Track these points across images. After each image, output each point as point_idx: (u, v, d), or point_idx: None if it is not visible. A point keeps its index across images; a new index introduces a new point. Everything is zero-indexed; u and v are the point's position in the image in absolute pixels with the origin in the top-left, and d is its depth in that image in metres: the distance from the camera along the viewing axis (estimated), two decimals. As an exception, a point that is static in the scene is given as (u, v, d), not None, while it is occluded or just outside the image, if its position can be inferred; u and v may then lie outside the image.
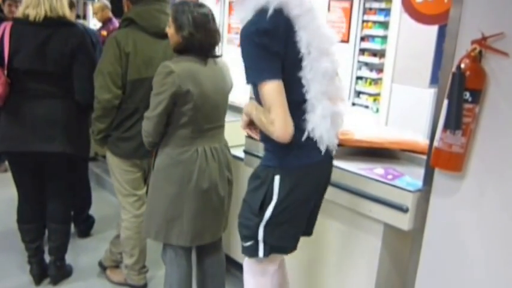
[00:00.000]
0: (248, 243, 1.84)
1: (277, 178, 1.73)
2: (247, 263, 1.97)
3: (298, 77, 1.68)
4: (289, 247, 1.88)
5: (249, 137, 2.50)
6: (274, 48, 1.61)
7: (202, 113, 2.18)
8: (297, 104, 1.69)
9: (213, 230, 2.34)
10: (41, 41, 2.44)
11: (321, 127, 1.70)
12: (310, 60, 1.68)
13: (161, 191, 2.24)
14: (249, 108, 1.83)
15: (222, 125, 2.35)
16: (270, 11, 1.61)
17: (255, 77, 1.65)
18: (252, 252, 1.84)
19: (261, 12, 1.63)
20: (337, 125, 1.79)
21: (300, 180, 1.75)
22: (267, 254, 1.82)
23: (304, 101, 1.70)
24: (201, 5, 2.22)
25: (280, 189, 1.73)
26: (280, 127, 1.63)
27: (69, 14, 2.53)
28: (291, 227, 1.82)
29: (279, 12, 1.64)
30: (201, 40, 2.14)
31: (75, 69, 2.51)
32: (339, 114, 1.79)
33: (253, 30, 1.62)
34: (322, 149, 1.73)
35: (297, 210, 1.80)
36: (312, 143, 1.73)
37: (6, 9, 4.34)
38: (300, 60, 1.68)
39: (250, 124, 1.91)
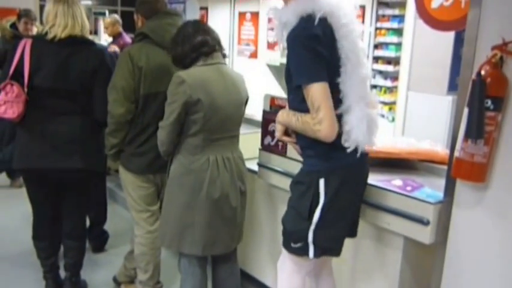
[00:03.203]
0: (298, 245, 1.86)
1: (321, 181, 1.77)
2: (282, 260, 2.00)
3: (335, 82, 1.74)
4: (337, 248, 1.90)
5: (267, 147, 2.47)
6: (323, 53, 1.69)
7: (214, 122, 2.19)
8: (334, 108, 1.74)
9: (226, 241, 2.32)
10: (62, 59, 2.43)
11: (357, 130, 1.75)
12: (351, 67, 1.75)
13: (174, 199, 2.27)
14: (284, 116, 1.87)
15: (235, 135, 2.35)
16: (317, 19, 1.69)
17: (305, 78, 1.71)
18: (301, 252, 1.87)
19: (307, 18, 1.70)
20: (372, 130, 1.84)
21: (344, 180, 1.79)
22: (317, 255, 1.85)
23: (340, 106, 1.75)
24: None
25: (326, 191, 1.77)
26: (329, 126, 1.68)
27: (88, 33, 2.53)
28: (340, 228, 1.87)
29: (324, 21, 1.71)
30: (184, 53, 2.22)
31: (95, 88, 2.51)
32: (374, 120, 1.84)
33: (304, 34, 1.69)
34: (357, 151, 1.77)
35: (345, 211, 1.84)
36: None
37: (22, 27, 4.38)
38: (339, 67, 1.75)
39: (286, 132, 1.93)
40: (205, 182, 2.19)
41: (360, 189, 1.92)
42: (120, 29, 5.44)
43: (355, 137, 1.74)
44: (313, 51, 1.68)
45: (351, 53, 1.74)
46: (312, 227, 1.80)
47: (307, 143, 1.82)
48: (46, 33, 2.42)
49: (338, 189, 1.78)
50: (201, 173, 2.19)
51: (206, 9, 8.22)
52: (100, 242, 3.52)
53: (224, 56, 2.35)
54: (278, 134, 1.94)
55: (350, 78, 1.75)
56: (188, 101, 2.12)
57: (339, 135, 1.74)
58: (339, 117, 1.74)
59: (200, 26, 2.29)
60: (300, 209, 1.83)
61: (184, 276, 2.37)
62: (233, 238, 2.36)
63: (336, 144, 1.74)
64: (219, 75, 2.24)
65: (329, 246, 1.87)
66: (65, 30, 2.42)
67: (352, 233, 1.99)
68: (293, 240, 1.87)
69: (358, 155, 1.77)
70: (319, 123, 1.68)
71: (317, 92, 1.68)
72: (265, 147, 2.53)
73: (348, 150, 1.76)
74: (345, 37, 1.74)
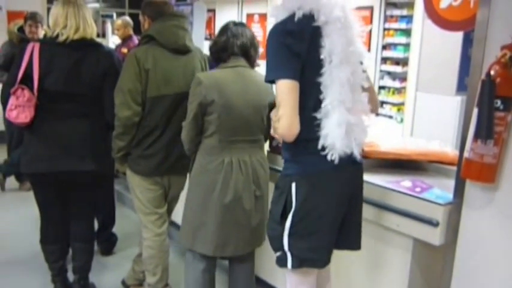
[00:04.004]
0: (278, 254, 1.83)
1: (293, 185, 1.73)
2: (287, 274, 1.94)
3: (316, 82, 1.70)
4: (319, 260, 1.82)
5: (275, 148, 2.48)
6: (296, 49, 1.66)
7: (229, 123, 2.21)
8: (313, 109, 1.70)
9: (238, 243, 2.32)
10: (73, 62, 2.43)
11: (334, 134, 1.68)
12: (330, 67, 1.69)
13: (191, 198, 2.32)
14: (274, 113, 1.85)
15: (256, 140, 2.32)
16: (299, 15, 1.67)
17: (273, 73, 1.71)
18: (281, 262, 1.83)
19: (293, 15, 1.69)
20: (354, 136, 1.73)
21: (316, 187, 1.73)
22: (296, 265, 1.78)
23: (319, 108, 1.71)
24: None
25: (297, 196, 1.73)
26: (285, 125, 1.65)
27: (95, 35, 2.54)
28: (317, 239, 1.77)
29: (310, 18, 1.69)
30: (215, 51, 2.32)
31: (106, 90, 2.50)
32: (358, 126, 1.75)
33: (280, 29, 1.70)
34: (332, 157, 1.69)
35: (320, 220, 1.75)
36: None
37: (27, 29, 4.41)
38: (321, 66, 1.70)
39: None
40: (218, 183, 2.21)
41: (345, 198, 1.79)
42: (131, 32, 5.43)
43: (331, 142, 1.68)
44: (286, 47, 1.65)
45: (332, 54, 1.68)
46: (286, 232, 1.75)
47: (285, 145, 1.79)
48: (57, 36, 2.42)
49: (309, 196, 1.71)
50: (215, 174, 2.22)
51: (214, 11, 8.23)
52: (108, 245, 3.52)
53: (252, 65, 2.34)
54: (272, 130, 1.92)
55: (328, 79, 1.69)
56: (203, 102, 2.17)
57: (315, 139, 1.69)
58: (318, 120, 1.69)
59: (230, 28, 2.29)
60: (273, 214, 1.81)
61: (186, 268, 2.43)
62: (246, 241, 2.34)
63: (311, 149, 1.70)
64: (238, 77, 2.24)
65: (308, 257, 1.78)
66: (77, 32, 2.43)
67: (354, 246, 1.91)
68: (273, 248, 1.84)
69: (336, 161, 1.68)
70: (278, 120, 1.66)
71: (282, 89, 1.66)
72: (273, 149, 2.52)
73: (329, 157, 1.69)
74: (328, 35, 1.69)
